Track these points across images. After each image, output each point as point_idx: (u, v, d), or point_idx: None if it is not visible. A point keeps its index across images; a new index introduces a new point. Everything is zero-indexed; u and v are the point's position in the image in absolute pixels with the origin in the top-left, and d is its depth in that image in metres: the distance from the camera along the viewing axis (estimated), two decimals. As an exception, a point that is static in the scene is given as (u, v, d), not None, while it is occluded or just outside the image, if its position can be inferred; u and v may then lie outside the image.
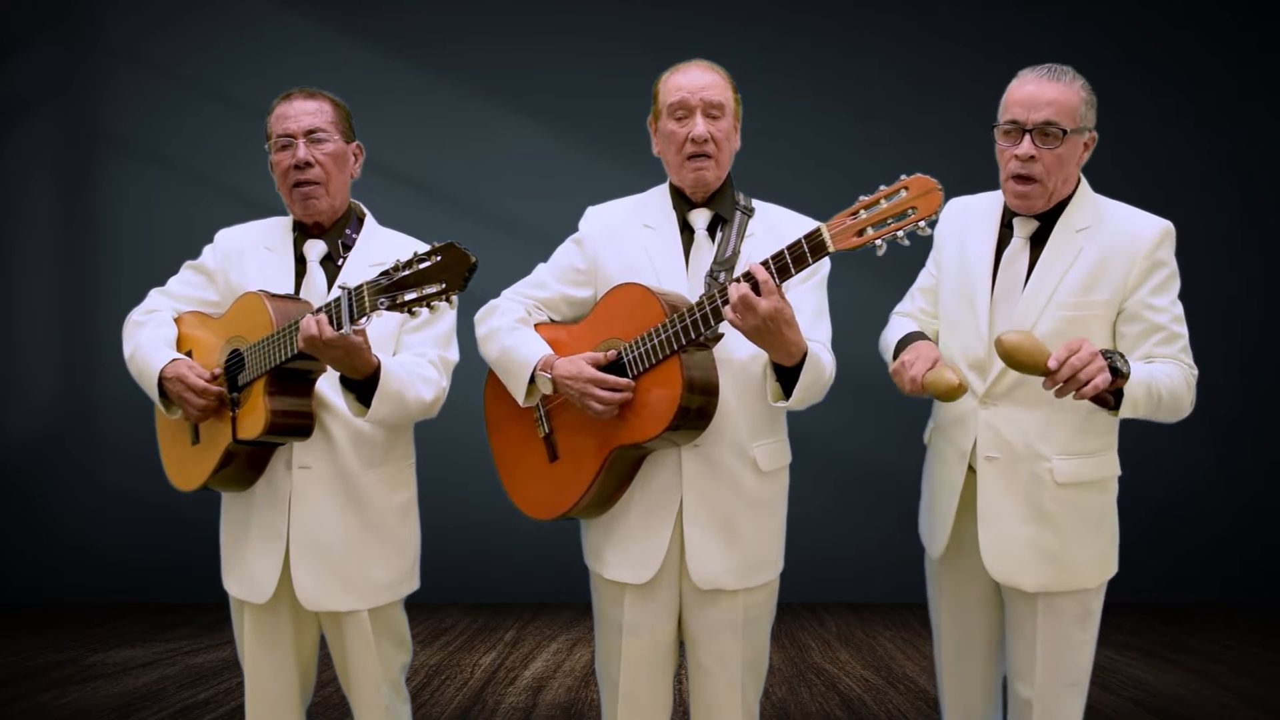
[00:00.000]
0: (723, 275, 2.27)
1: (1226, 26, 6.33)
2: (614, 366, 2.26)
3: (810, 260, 2.04)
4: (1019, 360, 2.04)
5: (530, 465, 2.41)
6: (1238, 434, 6.20)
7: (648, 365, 2.20)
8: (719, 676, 2.35)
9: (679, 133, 2.31)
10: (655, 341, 2.19)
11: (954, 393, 2.11)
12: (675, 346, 2.16)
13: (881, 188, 1.99)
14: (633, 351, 2.23)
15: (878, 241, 1.98)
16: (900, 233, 1.96)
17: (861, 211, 2.00)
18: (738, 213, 2.36)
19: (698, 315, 2.14)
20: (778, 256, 2.06)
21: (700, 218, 2.36)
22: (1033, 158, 2.20)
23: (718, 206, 2.36)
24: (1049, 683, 2.28)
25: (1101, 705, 4.11)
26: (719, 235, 2.35)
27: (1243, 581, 6.24)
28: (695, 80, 2.32)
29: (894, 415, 4.43)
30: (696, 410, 2.20)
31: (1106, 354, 2.07)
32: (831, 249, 2.02)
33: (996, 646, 2.42)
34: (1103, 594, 2.34)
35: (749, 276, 2.07)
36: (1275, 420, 6.27)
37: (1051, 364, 2.02)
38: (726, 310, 2.08)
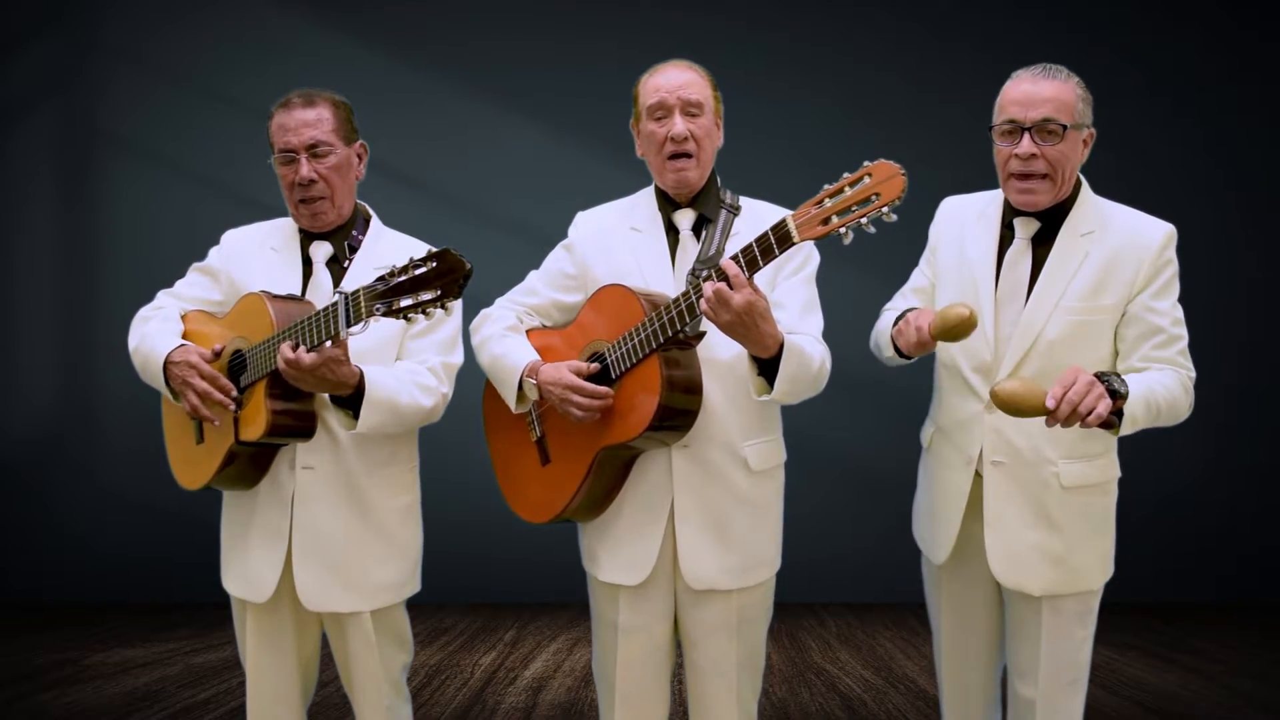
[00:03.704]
0: (705, 273, 2.27)
1: (1226, 26, 6.33)
2: (600, 370, 2.27)
3: (778, 251, 2.03)
4: (1017, 407, 2.02)
5: (524, 469, 2.42)
6: (1237, 434, 6.20)
7: (629, 365, 2.21)
8: (714, 677, 2.35)
9: (659, 133, 2.31)
10: (636, 340, 2.19)
11: (966, 324, 2.05)
12: (655, 344, 2.16)
13: (845, 175, 1.98)
14: (615, 352, 2.23)
15: (843, 229, 1.97)
16: (865, 219, 1.94)
17: (826, 200, 1.99)
18: (723, 211, 2.36)
19: (674, 313, 2.14)
20: (746, 250, 2.06)
21: (684, 218, 2.36)
22: (1034, 156, 2.19)
23: (702, 207, 2.36)
24: (1052, 682, 2.28)
25: (1101, 705, 4.11)
26: (704, 234, 2.35)
27: (1242, 581, 6.24)
28: (672, 79, 2.32)
29: (893, 414, 4.43)
30: (679, 408, 2.19)
31: (1103, 377, 2.06)
32: (797, 239, 2.01)
33: (997, 647, 2.42)
34: (1101, 591, 2.34)
35: (720, 272, 2.07)
36: (1275, 420, 6.27)
37: (1049, 403, 2.00)
38: (701, 304, 2.08)
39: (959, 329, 2.07)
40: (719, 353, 2.27)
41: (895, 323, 2.32)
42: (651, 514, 2.31)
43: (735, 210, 2.37)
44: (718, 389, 2.27)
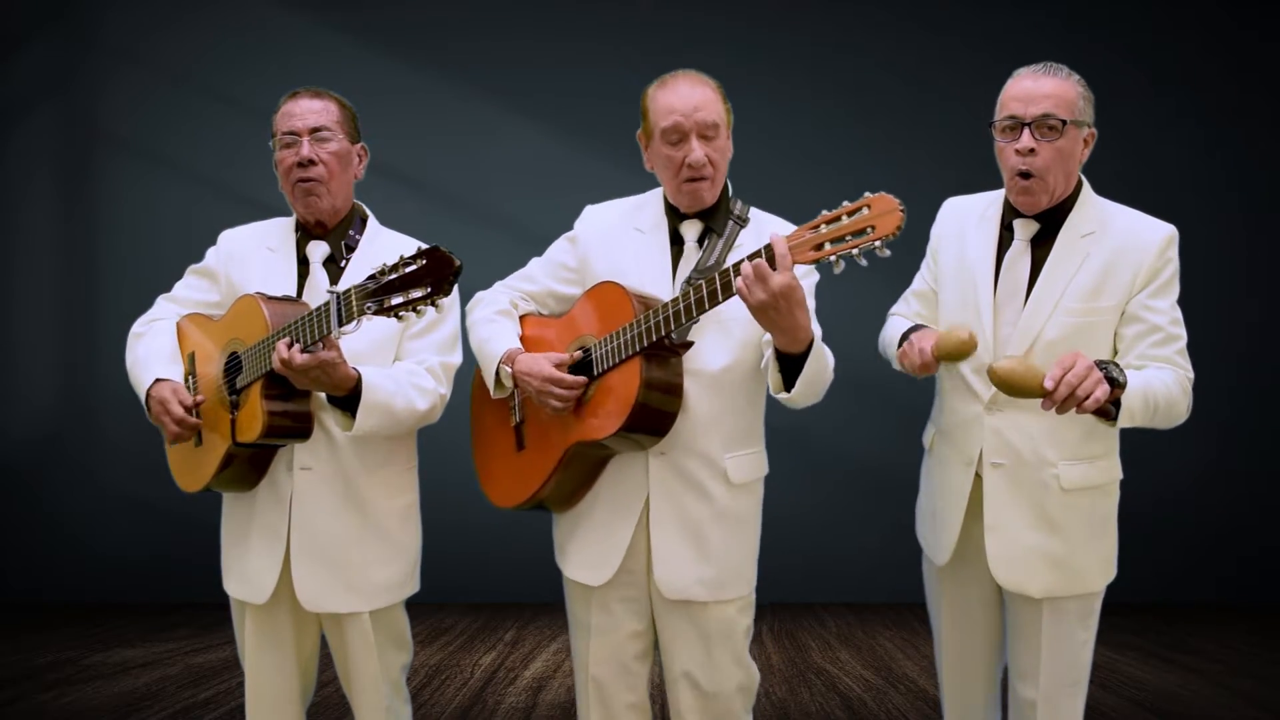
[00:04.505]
0: (699, 281, 2.20)
1: (1226, 26, 6.33)
2: (583, 365, 2.26)
3: None
4: (1014, 387, 2.01)
5: (499, 452, 2.42)
6: (1237, 434, 6.20)
7: (612, 363, 2.19)
8: (690, 687, 2.31)
9: (675, 157, 2.26)
10: (622, 340, 2.18)
11: (965, 347, 2.07)
12: (640, 346, 2.15)
13: (844, 204, 1.95)
14: (601, 349, 2.22)
15: (834, 258, 1.95)
16: (856, 251, 1.92)
17: (822, 226, 1.97)
18: (730, 223, 2.33)
19: (661, 317, 2.12)
20: (737, 266, 2.02)
21: (691, 229, 2.33)
22: (1033, 150, 2.19)
23: (710, 219, 2.33)
24: (1053, 683, 2.27)
25: (1101, 705, 4.11)
26: (706, 244, 2.32)
27: (1242, 581, 6.24)
28: (687, 100, 2.25)
29: (895, 415, 4.43)
30: (655, 412, 2.17)
31: (1102, 365, 2.05)
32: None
33: (997, 648, 2.42)
34: (1103, 593, 2.34)
35: (768, 249, 2.00)
36: (1275, 420, 6.27)
37: (1048, 384, 1.98)
38: (738, 283, 2.01)
39: (959, 351, 2.08)
40: (708, 363, 2.25)
41: (900, 342, 2.31)
42: (623, 514, 2.29)
43: (742, 222, 2.34)
44: (703, 399, 2.24)
